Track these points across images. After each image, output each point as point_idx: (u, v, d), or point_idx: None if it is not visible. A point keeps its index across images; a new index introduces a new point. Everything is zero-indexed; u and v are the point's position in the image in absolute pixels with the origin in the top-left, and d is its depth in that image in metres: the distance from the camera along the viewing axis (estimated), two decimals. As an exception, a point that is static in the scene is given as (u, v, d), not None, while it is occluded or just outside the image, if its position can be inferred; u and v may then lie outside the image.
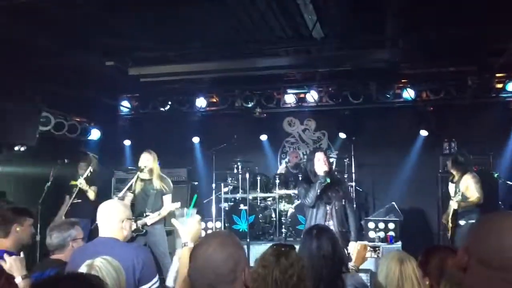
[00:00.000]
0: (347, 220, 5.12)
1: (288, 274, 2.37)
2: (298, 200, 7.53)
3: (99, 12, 5.49)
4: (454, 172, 6.56)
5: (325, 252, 3.02)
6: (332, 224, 4.97)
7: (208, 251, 1.75)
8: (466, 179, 6.45)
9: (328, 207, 5.08)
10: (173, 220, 2.64)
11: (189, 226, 2.57)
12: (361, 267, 5.01)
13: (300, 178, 6.06)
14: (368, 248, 3.97)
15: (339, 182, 5.36)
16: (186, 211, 2.62)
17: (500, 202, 7.27)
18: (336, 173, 5.63)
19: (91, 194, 6.93)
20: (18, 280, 2.77)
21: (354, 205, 7.10)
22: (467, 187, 6.42)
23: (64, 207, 6.98)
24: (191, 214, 2.62)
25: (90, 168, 6.72)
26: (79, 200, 6.77)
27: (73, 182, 7.02)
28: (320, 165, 5.10)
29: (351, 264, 3.76)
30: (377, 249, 6.38)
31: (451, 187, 6.57)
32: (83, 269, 2.38)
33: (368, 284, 6.23)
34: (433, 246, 3.34)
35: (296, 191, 7.31)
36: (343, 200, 5.18)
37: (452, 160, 6.64)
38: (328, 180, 5.00)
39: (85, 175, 6.76)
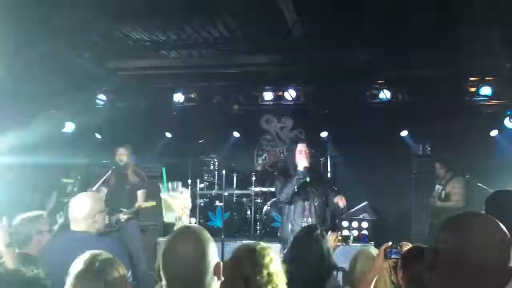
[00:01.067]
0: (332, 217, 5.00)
1: (256, 270, 2.35)
2: (274, 197, 7.53)
3: (76, 4, 5.40)
4: (442, 174, 6.63)
5: (319, 255, 3.05)
6: (310, 222, 4.81)
7: (180, 247, 1.75)
8: (455, 182, 6.61)
9: (306, 204, 4.88)
10: (163, 195, 2.64)
11: (182, 199, 2.59)
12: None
13: (277, 173, 5.81)
14: (339, 237, 3.97)
15: (320, 177, 5.17)
16: (162, 187, 2.61)
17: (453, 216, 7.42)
18: (327, 183, 5.45)
19: None
20: (1, 248, 2.71)
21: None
22: (453, 191, 6.57)
23: (51, 203, 6.84)
24: (171, 188, 2.61)
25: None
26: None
27: (65, 180, 6.89)
28: (301, 158, 4.86)
29: None
30: (347, 239, 6.44)
31: (437, 188, 6.66)
32: (80, 266, 2.30)
33: (341, 282, 6.33)
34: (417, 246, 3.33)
35: (272, 189, 7.31)
36: (324, 196, 5.00)
37: (442, 162, 6.70)
38: (308, 179, 4.82)
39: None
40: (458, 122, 8.31)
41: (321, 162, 8.29)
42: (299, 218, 4.86)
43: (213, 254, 1.81)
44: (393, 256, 2.68)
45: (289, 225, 4.90)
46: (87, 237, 2.98)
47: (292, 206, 4.93)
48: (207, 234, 1.91)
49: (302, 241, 3.16)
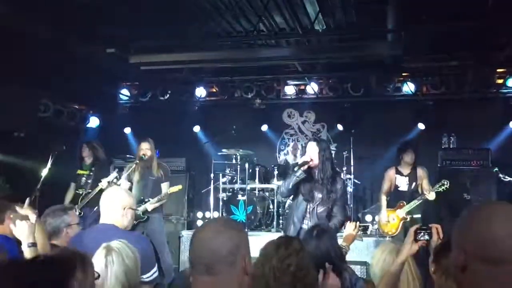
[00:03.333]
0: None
1: (286, 263, 2.40)
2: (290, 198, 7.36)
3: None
4: (411, 165, 6.50)
5: (324, 254, 3.01)
6: (306, 225, 4.48)
7: (207, 233, 1.75)
8: (421, 172, 6.50)
9: (309, 206, 4.56)
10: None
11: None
12: (356, 259, 4.99)
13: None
14: (359, 227, 3.93)
15: (333, 180, 4.60)
16: None
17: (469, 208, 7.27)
18: (333, 168, 4.75)
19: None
20: (24, 247, 2.76)
21: (348, 209, 7.10)
22: (423, 181, 6.48)
23: (70, 194, 6.93)
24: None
25: (114, 177, 6.11)
26: (90, 191, 6.62)
27: (80, 172, 6.97)
28: (305, 155, 4.60)
29: (342, 244, 3.69)
30: (367, 230, 6.42)
31: (403, 180, 6.52)
32: (101, 252, 2.38)
33: (364, 276, 6.28)
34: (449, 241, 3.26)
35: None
36: (330, 206, 4.56)
37: (414, 152, 6.55)
38: (299, 174, 4.48)
39: (108, 179, 6.11)
40: (484, 114, 8.15)
41: (344, 156, 8.23)
42: (299, 220, 4.57)
43: (242, 243, 1.76)
44: (423, 238, 2.59)
45: (291, 227, 4.63)
46: (114, 231, 3.00)
47: (297, 204, 4.64)
48: (237, 224, 1.93)
49: (303, 240, 3.13)
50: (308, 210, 4.56)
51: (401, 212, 6.44)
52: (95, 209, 5.85)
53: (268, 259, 2.42)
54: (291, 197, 5.14)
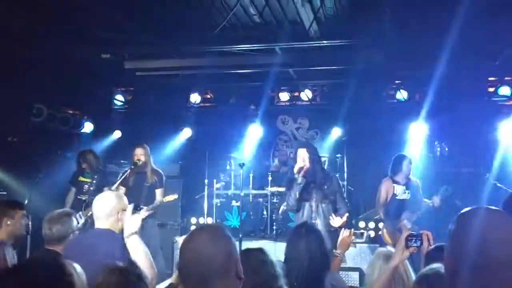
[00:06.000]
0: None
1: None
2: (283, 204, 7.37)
3: (95, 4, 5.49)
4: (407, 174, 6.53)
5: (312, 252, 3.00)
6: (318, 224, 4.71)
7: (199, 244, 1.71)
8: (415, 181, 6.55)
9: (313, 206, 4.85)
10: None
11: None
12: (350, 265, 5.01)
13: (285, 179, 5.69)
14: (354, 234, 3.95)
15: (326, 178, 5.02)
16: None
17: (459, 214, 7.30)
18: (322, 168, 5.22)
19: None
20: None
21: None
22: (417, 190, 6.52)
23: (70, 198, 6.90)
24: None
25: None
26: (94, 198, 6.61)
27: (82, 179, 6.97)
28: (298, 162, 4.84)
29: (336, 251, 3.72)
30: (362, 236, 6.40)
31: (400, 188, 6.53)
32: None
33: (358, 283, 6.30)
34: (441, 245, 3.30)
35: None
36: (331, 198, 4.92)
37: (410, 161, 6.59)
38: (300, 181, 4.78)
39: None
40: (476, 121, 8.22)
41: (338, 162, 8.27)
42: (307, 220, 4.75)
43: (233, 251, 1.76)
44: (414, 244, 2.63)
45: None
46: (110, 235, 3.01)
47: (301, 212, 4.92)
48: (226, 231, 1.88)
49: (291, 238, 3.14)
50: (313, 209, 4.85)
51: (408, 222, 6.35)
52: None
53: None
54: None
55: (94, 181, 6.90)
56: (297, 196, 4.82)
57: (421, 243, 2.65)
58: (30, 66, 7.03)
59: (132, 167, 6.11)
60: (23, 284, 1.41)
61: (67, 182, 7.00)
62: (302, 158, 4.87)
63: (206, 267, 1.66)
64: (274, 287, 2.40)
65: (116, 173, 7.56)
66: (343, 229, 3.90)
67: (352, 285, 5.70)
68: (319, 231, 3.39)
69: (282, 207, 7.80)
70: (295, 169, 4.85)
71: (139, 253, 2.78)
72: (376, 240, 7.29)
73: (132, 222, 2.90)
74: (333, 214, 4.83)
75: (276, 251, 5.43)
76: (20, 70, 7.09)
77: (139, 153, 6.15)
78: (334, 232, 4.64)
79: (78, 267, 2.15)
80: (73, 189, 7.01)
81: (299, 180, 4.79)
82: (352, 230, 3.96)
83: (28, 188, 6.59)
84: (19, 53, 6.58)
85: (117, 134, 9.48)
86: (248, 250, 2.65)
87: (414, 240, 2.65)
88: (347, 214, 4.86)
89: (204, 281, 1.65)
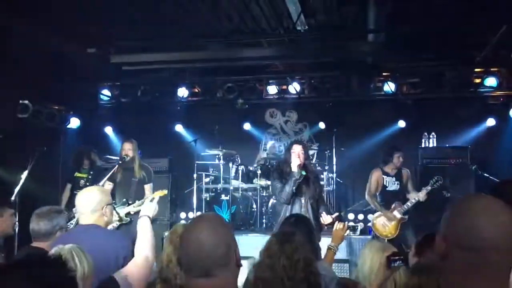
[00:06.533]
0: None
1: (295, 259, 2.37)
2: (273, 198, 7.40)
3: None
4: (398, 166, 6.55)
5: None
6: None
7: (201, 235, 1.73)
8: (406, 173, 6.59)
9: (303, 202, 4.97)
10: None
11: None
12: (338, 257, 5.01)
13: (272, 171, 5.75)
14: (347, 227, 3.97)
15: (316, 177, 5.27)
16: None
17: (457, 199, 7.39)
18: (313, 166, 5.56)
19: None
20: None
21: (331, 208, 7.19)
22: (408, 182, 6.56)
23: (66, 195, 6.93)
24: None
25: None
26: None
27: (78, 175, 6.94)
28: (295, 158, 4.96)
29: (330, 244, 3.76)
30: (356, 230, 6.43)
31: (390, 179, 6.56)
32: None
33: (348, 274, 6.34)
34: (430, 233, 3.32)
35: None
36: (316, 197, 5.07)
37: (401, 153, 6.61)
38: (304, 173, 4.88)
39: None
40: (463, 112, 8.30)
41: (327, 155, 8.29)
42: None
43: (232, 240, 1.80)
44: (396, 264, 2.58)
45: None
46: (97, 231, 2.97)
47: (290, 207, 4.99)
48: (224, 220, 1.93)
49: (281, 228, 3.17)
50: (303, 204, 4.96)
51: (398, 213, 6.33)
52: None
53: (275, 260, 2.36)
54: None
55: (90, 177, 6.92)
56: (294, 191, 4.88)
57: (406, 263, 2.60)
58: (15, 62, 6.92)
59: (120, 162, 6.06)
60: (27, 278, 1.38)
61: (54, 179, 6.98)
62: (298, 154, 4.97)
63: (209, 258, 1.70)
64: None
65: (103, 169, 7.51)
66: (336, 222, 3.93)
67: (343, 276, 5.73)
68: (309, 220, 3.40)
69: (272, 201, 7.81)
70: (295, 165, 4.91)
71: (146, 234, 2.93)
72: (366, 232, 7.34)
73: (150, 207, 3.13)
74: (324, 213, 4.89)
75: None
76: (5, 66, 6.99)
77: (127, 148, 6.10)
78: (318, 231, 4.68)
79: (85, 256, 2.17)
80: (69, 186, 6.99)
81: (299, 175, 4.86)
82: (346, 223, 3.99)
83: (15, 185, 6.51)
84: (2, 49, 6.48)
85: (108, 130, 9.43)
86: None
87: (397, 261, 2.59)
88: (337, 214, 4.94)
89: (208, 271, 1.70)
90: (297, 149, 5.02)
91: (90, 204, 3.04)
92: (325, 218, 4.81)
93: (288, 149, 5.15)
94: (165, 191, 6.08)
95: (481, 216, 1.35)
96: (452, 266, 1.38)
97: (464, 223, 1.36)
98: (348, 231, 4.07)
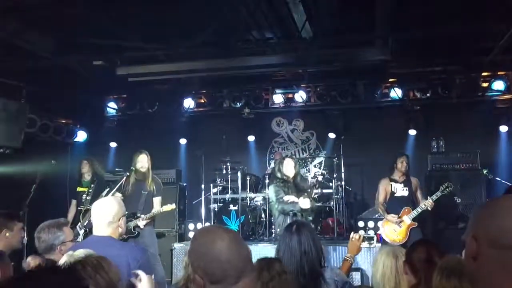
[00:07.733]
0: None
1: (270, 286, 2.45)
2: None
3: (87, 11, 5.43)
4: (404, 173, 6.54)
5: (305, 247, 3.03)
6: None
7: (224, 242, 1.73)
8: (415, 181, 6.56)
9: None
10: None
11: None
12: (353, 266, 4.97)
13: (273, 177, 6.42)
14: (363, 238, 3.98)
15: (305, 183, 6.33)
16: None
17: (487, 199, 7.34)
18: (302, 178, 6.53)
19: None
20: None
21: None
22: (417, 190, 6.53)
23: (72, 211, 6.92)
24: None
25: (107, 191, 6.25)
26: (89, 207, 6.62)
27: (79, 189, 6.93)
28: (288, 169, 5.95)
29: (346, 255, 3.78)
30: (371, 241, 6.39)
31: (399, 186, 6.54)
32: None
33: (359, 283, 6.25)
34: (418, 240, 3.35)
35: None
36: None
37: (408, 160, 6.63)
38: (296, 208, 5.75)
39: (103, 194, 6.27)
40: (471, 117, 8.24)
41: (335, 163, 8.24)
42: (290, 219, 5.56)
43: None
44: None
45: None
46: (110, 242, 2.92)
47: (288, 217, 5.72)
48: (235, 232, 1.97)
49: (283, 235, 3.17)
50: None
51: (408, 219, 6.34)
52: None
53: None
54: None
55: (91, 190, 6.89)
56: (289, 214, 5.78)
57: None
58: (22, 75, 6.96)
59: (131, 173, 6.06)
60: None
61: (62, 192, 6.97)
62: (290, 167, 5.98)
63: (243, 261, 1.73)
64: None
65: (111, 181, 7.50)
66: (352, 232, 3.92)
67: (355, 285, 5.67)
68: (310, 225, 3.38)
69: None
70: (304, 205, 5.78)
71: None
72: (377, 239, 7.26)
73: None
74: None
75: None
76: (12, 80, 7.03)
77: (144, 160, 6.11)
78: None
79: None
80: (74, 202, 6.99)
81: (297, 211, 5.77)
82: (362, 234, 3.98)
83: (24, 199, 6.51)
84: (10, 63, 6.52)
85: (112, 145, 9.45)
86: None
87: None
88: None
89: (239, 278, 1.71)
90: (288, 163, 6.04)
91: (108, 216, 2.98)
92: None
93: (281, 161, 6.10)
94: (173, 206, 6.10)
95: None
96: (484, 266, 1.35)
97: (496, 223, 1.35)
98: (365, 242, 4.08)
